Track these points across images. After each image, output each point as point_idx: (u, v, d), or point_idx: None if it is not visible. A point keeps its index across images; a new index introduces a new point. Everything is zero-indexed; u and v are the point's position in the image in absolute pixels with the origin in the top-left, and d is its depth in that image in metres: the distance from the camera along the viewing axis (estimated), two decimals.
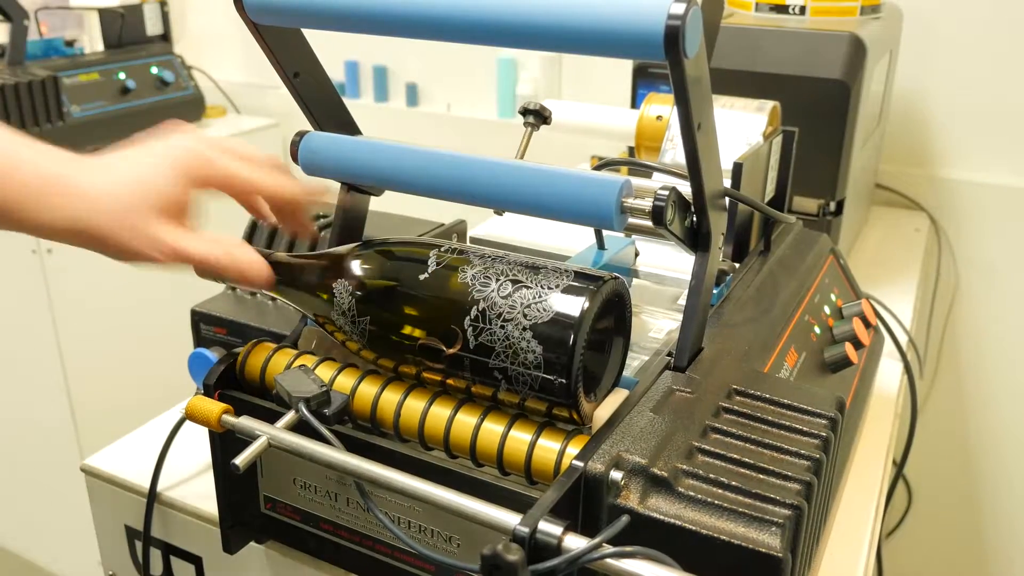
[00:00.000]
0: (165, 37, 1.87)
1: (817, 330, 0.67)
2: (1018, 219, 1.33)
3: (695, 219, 0.50)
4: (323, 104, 0.58)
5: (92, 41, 1.79)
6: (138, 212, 0.49)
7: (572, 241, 0.68)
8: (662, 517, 0.42)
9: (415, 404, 0.50)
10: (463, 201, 0.52)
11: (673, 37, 0.40)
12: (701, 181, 0.47)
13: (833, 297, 0.73)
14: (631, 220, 0.49)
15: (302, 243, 0.75)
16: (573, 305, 0.46)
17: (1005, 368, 1.40)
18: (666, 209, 0.47)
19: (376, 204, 0.64)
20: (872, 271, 1.15)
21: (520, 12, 0.43)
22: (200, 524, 0.66)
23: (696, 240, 0.51)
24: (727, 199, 0.62)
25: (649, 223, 0.48)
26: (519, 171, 0.50)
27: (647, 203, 0.47)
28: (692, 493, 0.42)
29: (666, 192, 0.47)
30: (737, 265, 0.68)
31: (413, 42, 1.74)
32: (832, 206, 1.00)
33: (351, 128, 0.61)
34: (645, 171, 0.75)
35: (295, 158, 0.58)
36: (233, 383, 0.55)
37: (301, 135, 0.58)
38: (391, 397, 0.51)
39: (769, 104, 0.76)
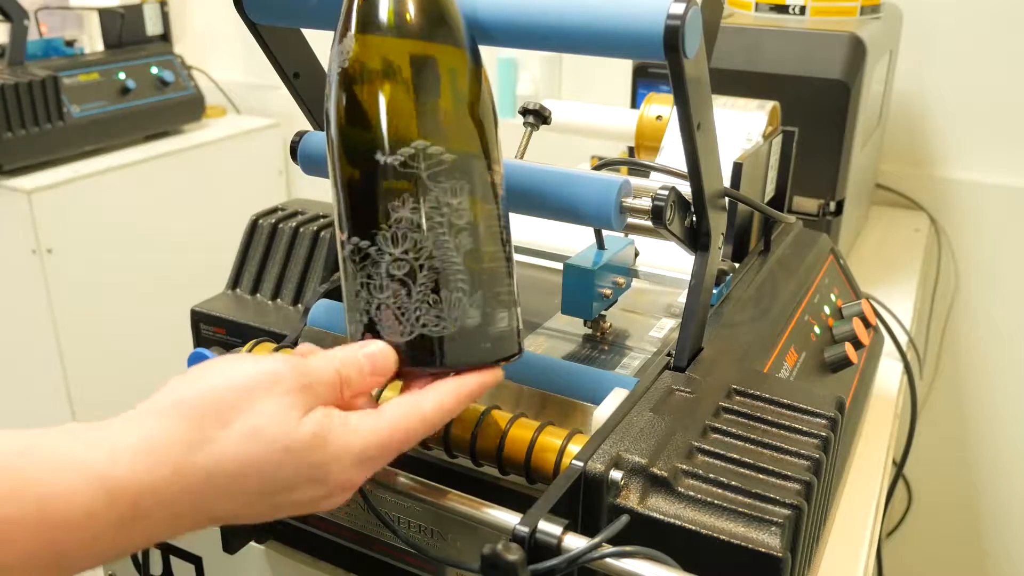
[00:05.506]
0: (165, 37, 1.86)
1: (817, 330, 0.67)
2: (1018, 219, 1.32)
3: (695, 219, 0.50)
4: (323, 104, 0.58)
5: (92, 41, 1.79)
6: None
7: (572, 241, 0.68)
8: (662, 517, 0.42)
9: None
10: None
11: (673, 37, 0.40)
12: (701, 181, 0.48)
13: (833, 297, 0.73)
14: (631, 220, 0.49)
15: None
16: None
17: (1005, 368, 1.40)
18: (665, 209, 0.47)
19: None
20: (872, 271, 1.15)
21: (520, 12, 0.43)
22: None
23: (696, 240, 0.51)
24: (727, 199, 0.62)
25: (649, 223, 0.48)
26: (519, 170, 0.50)
27: (646, 203, 0.47)
28: (692, 493, 0.42)
29: (666, 192, 0.47)
30: (737, 265, 0.68)
31: None
32: (832, 206, 1.00)
33: None
34: (645, 171, 0.75)
35: (295, 158, 0.58)
36: None
37: (301, 135, 0.58)
38: (390, 396, 0.51)
39: (769, 104, 0.76)
